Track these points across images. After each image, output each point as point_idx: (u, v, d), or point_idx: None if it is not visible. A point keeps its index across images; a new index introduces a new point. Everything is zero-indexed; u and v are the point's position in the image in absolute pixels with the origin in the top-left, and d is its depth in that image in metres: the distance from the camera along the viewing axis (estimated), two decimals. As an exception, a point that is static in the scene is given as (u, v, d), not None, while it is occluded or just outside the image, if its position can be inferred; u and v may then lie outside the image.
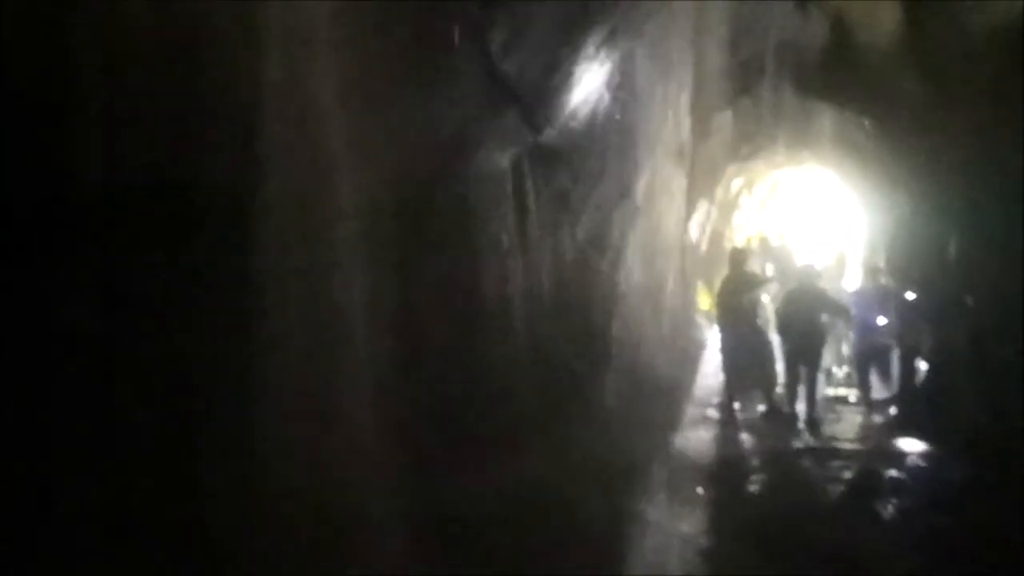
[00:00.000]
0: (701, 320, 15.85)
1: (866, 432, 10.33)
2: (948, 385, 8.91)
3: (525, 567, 6.04)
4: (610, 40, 10.97)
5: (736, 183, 18.31)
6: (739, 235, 18.42)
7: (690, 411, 10.95)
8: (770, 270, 12.20)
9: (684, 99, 13.88)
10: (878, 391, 10.98)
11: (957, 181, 7.64)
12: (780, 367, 11.07)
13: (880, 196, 11.57)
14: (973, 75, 7.03)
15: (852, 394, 11.66)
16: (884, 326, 10.65)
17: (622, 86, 11.57)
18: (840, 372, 12.40)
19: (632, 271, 12.51)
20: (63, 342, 3.88)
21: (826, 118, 12.92)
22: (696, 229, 16.04)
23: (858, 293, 11.18)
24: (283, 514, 4.92)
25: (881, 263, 11.75)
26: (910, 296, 10.40)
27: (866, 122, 9.78)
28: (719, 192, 17.57)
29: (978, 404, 8.16)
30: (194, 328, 4.48)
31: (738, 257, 11.64)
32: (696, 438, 9.94)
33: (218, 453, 4.56)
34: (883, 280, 11.15)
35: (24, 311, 3.75)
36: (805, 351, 10.71)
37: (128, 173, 4.13)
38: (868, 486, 8.31)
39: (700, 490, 8.23)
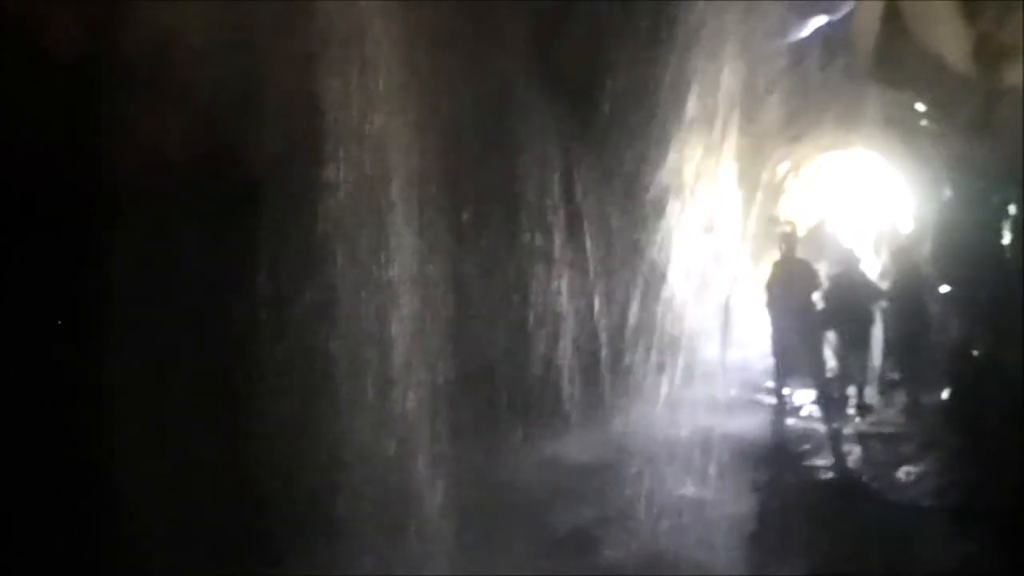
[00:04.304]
0: (751, 302, 15.80)
1: (914, 419, 10.29)
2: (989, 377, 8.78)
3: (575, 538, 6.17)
4: (657, 27, 10.99)
5: (783, 167, 18.21)
6: (786, 219, 18.30)
7: (740, 395, 10.96)
8: (819, 255, 12.13)
9: (733, 83, 13.83)
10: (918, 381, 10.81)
11: (1016, 173, 7.54)
12: (830, 352, 11.03)
13: (930, 183, 11.45)
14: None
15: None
16: (922, 317, 10.54)
17: (670, 70, 11.58)
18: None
19: (679, 253, 12.53)
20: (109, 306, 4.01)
21: (876, 101, 12.81)
22: (743, 212, 16.00)
23: (898, 282, 11.02)
24: (337, 475, 5.05)
25: (925, 253, 11.60)
26: (944, 289, 10.30)
27: (920, 106, 9.68)
28: (765, 175, 17.48)
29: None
30: (245, 293, 4.58)
31: (788, 242, 11.60)
32: (746, 423, 9.97)
33: (267, 412, 4.68)
34: (924, 270, 11.01)
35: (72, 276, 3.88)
36: (854, 336, 10.69)
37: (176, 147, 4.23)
38: (916, 472, 8.35)
39: (751, 473, 8.28)
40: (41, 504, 3.68)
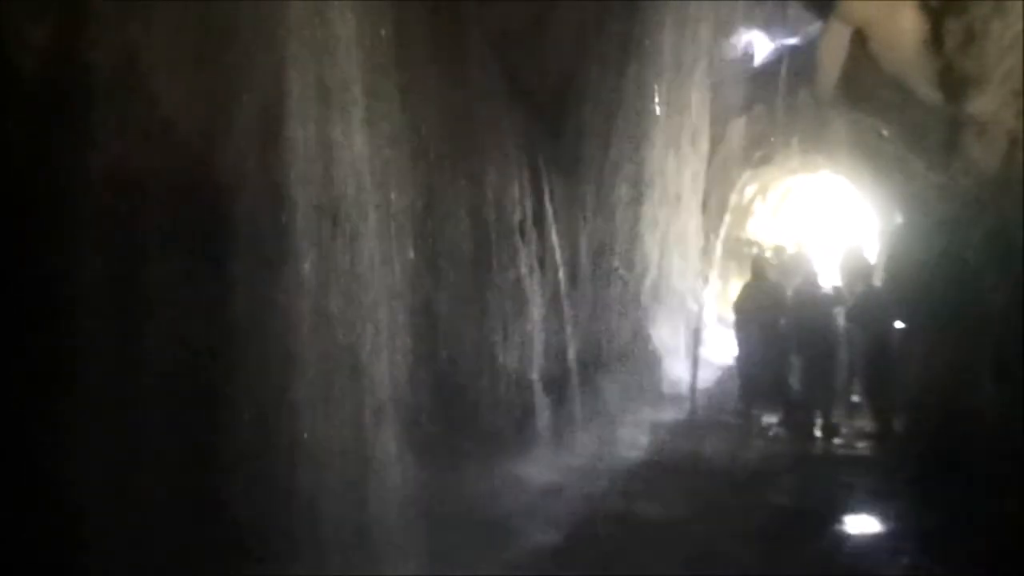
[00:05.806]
0: (718, 324, 15.89)
1: (880, 442, 10.31)
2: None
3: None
4: (626, 46, 11.08)
5: (750, 189, 18.36)
6: (754, 241, 18.44)
7: (706, 416, 10.98)
8: (787, 277, 12.22)
9: (700, 105, 13.95)
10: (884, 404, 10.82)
11: (982, 202, 7.58)
12: (796, 374, 11.08)
13: (896, 207, 11.54)
14: (996, 88, 7.04)
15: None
16: (887, 341, 10.60)
17: (638, 90, 11.67)
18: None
19: (647, 273, 12.57)
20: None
21: (842, 125, 12.94)
22: (711, 234, 16.10)
23: (863, 305, 11.07)
24: (303, 493, 4.98)
25: (889, 276, 11.65)
26: (899, 325, 10.37)
27: (886, 131, 9.78)
28: (733, 198, 17.62)
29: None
30: (218, 309, 4.52)
31: (755, 264, 11.71)
32: (712, 443, 9.97)
33: (238, 442, 4.61)
34: (888, 294, 11.05)
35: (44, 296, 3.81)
36: (820, 358, 10.74)
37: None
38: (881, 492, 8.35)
39: (716, 494, 8.27)
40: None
